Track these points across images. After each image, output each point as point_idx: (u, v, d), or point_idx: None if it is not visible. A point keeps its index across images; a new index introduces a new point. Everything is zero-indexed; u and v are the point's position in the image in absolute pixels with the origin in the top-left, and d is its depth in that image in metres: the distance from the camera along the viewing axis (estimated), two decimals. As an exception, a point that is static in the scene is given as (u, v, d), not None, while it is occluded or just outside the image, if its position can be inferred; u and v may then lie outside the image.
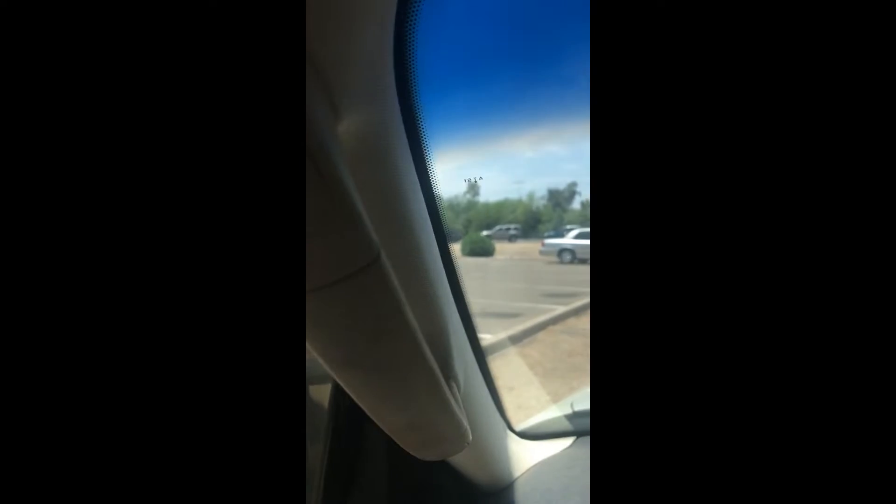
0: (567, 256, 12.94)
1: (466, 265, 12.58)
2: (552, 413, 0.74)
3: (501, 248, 18.47)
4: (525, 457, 0.58)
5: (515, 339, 4.18)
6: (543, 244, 13.91)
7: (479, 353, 0.53)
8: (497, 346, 3.93)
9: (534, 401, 2.87)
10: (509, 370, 3.44)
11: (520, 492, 0.51)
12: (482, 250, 15.69)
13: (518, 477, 0.54)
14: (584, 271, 10.49)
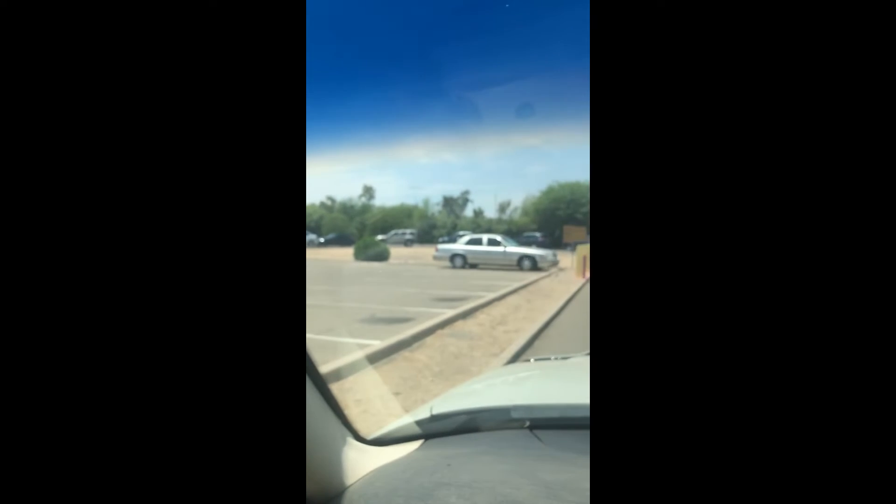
0: (458, 261, 13.40)
1: (360, 270, 12.35)
2: (409, 418, 0.77)
3: (397, 252, 18.48)
4: (365, 464, 0.59)
5: (405, 344, 4.21)
6: (437, 249, 14.25)
7: (312, 369, 0.53)
8: (386, 352, 3.92)
9: (419, 404, 2.91)
10: (397, 375, 3.45)
11: (347, 500, 0.52)
12: (377, 255, 15.57)
13: (350, 485, 0.55)
14: (474, 276, 10.94)
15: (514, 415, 0.71)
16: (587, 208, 14.32)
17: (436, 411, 0.78)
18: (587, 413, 0.71)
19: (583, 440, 0.65)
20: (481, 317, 5.63)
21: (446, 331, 4.82)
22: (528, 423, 0.68)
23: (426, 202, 40.99)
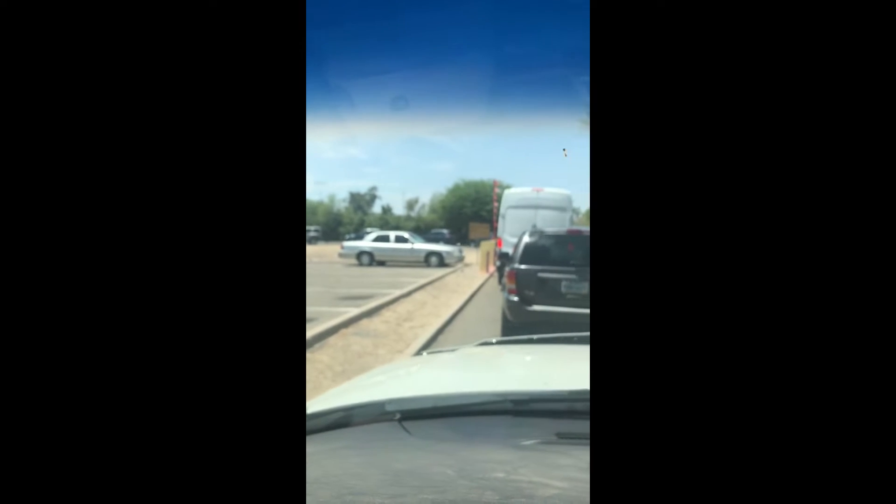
0: (365, 259, 13.20)
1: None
2: None
3: (300, 250, 17.60)
4: None
5: (307, 345, 4.05)
6: (343, 247, 13.89)
7: None
8: (284, 355, 3.74)
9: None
10: (296, 378, 3.31)
11: None
12: (278, 253, 14.69)
13: None
14: (381, 273, 10.85)
15: (388, 408, 0.71)
16: (491, 206, 14.87)
17: (311, 410, 0.76)
18: (461, 401, 0.73)
19: (451, 428, 0.67)
20: (387, 314, 5.60)
21: (350, 329, 4.72)
22: (398, 416, 0.69)
23: (332, 198, 39.72)
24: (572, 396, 0.70)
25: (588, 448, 0.59)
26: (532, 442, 0.59)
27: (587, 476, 0.50)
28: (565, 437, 0.62)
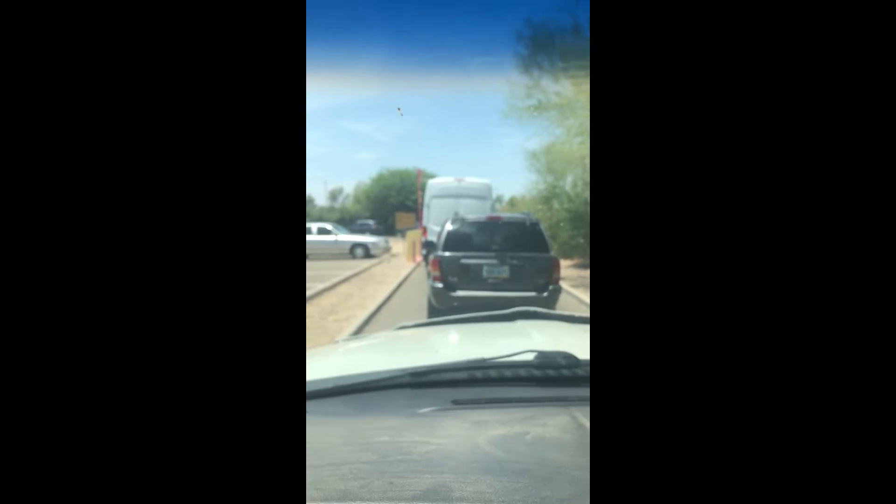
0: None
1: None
2: None
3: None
4: None
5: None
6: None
7: None
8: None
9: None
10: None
11: None
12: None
13: None
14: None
15: None
16: (416, 195, 14.91)
17: None
18: (361, 379, 0.75)
19: (349, 403, 0.69)
20: (310, 309, 5.45)
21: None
22: None
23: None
24: (470, 365, 0.74)
25: (480, 410, 0.64)
26: (428, 410, 0.63)
27: (469, 433, 0.55)
28: (460, 403, 0.66)
